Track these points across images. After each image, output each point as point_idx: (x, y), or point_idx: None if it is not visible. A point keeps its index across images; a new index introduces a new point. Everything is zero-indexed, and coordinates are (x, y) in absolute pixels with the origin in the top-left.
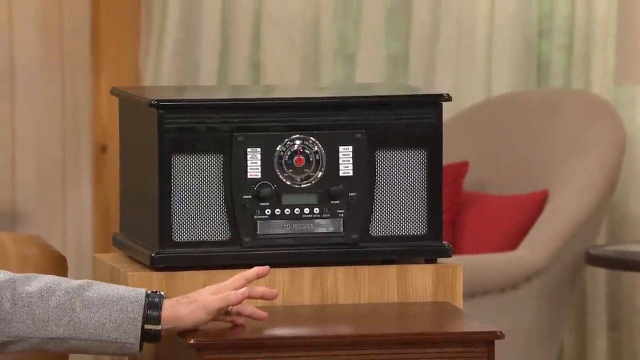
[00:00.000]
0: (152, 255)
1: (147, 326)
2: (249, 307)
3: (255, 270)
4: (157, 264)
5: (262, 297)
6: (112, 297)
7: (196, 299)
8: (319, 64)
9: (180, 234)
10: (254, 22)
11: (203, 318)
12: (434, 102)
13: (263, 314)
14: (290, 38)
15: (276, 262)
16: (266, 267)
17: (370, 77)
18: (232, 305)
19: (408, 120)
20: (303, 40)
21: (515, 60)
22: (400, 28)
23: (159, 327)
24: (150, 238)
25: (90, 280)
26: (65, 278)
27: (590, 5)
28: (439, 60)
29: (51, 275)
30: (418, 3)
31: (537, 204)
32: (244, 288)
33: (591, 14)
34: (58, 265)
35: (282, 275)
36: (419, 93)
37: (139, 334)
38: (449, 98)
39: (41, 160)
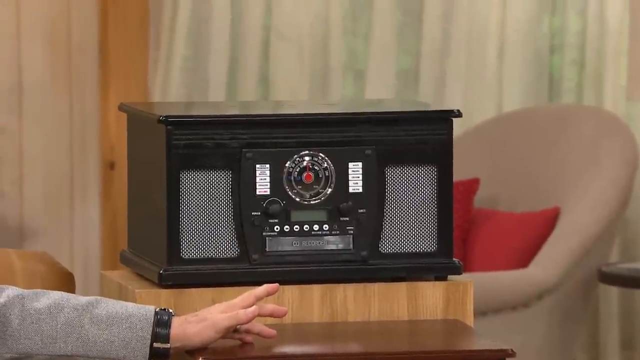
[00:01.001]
0: (160, 272)
1: (155, 344)
2: (257, 325)
3: (265, 288)
4: (165, 281)
5: (272, 315)
6: (121, 314)
7: (205, 317)
8: (329, 79)
9: (189, 251)
10: (263, 37)
11: (212, 336)
12: (445, 118)
13: (272, 331)
14: (299, 54)
15: (285, 279)
16: (275, 285)
17: (380, 93)
18: (242, 324)
19: (418, 137)
20: (312, 56)
21: (527, 75)
22: (411, 43)
23: (167, 346)
24: (159, 255)
25: (99, 297)
26: (73, 294)
27: (602, 21)
28: (449, 76)
29: (60, 292)
30: (428, 18)
31: (548, 221)
32: (254, 307)
33: (603, 29)
34: (65, 282)
35: (291, 292)
36: (429, 109)
37: (147, 352)
38: (459, 114)
39: (49, 177)
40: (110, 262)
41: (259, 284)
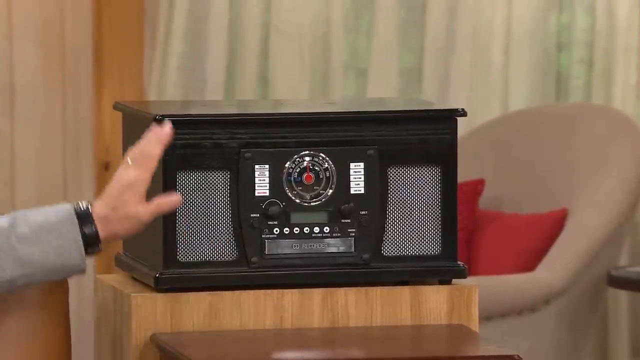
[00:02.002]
0: (156, 275)
1: (88, 249)
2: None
3: (154, 132)
4: (162, 285)
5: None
6: (45, 225)
7: (127, 213)
8: (330, 78)
9: (186, 254)
10: (262, 35)
11: (139, 229)
12: (449, 118)
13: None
14: (299, 52)
15: (285, 283)
16: (166, 128)
17: (383, 91)
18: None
19: (422, 136)
20: (313, 54)
21: (533, 74)
22: (414, 41)
23: (99, 248)
24: (154, 258)
25: (12, 214)
26: None
27: (611, 17)
28: (453, 74)
29: None
30: (432, 15)
31: (556, 223)
32: (177, 196)
33: (612, 26)
34: (58, 286)
35: (291, 296)
36: (433, 108)
37: (84, 253)
38: (464, 113)
39: (41, 179)
40: (105, 266)
41: (258, 287)
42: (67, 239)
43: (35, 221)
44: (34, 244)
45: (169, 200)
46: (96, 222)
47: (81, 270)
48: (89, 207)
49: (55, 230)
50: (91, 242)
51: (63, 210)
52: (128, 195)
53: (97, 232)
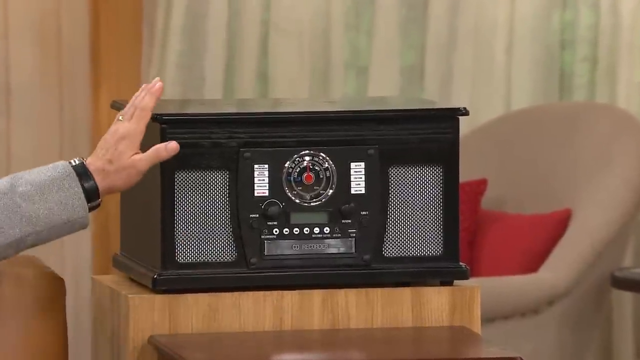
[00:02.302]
0: (154, 276)
1: (89, 203)
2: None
3: (145, 88)
4: (160, 286)
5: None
6: (44, 182)
7: (123, 164)
8: (330, 76)
9: (184, 255)
10: (261, 32)
11: (138, 180)
12: (451, 117)
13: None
14: (299, 49)
15: (284, 284)
16: (158, 85)
17: (384, 90)
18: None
19: (423, 136)
20: (313, 52)
21: (536, 72)
22: (415, 39)
23: (99, 201)
24: (152, 259)
25: (10, 176)
26: None
27: (615, 14)
28: (455, 73)
29: None
30: (434, 12)
31: (559, 223)
32: (173, 142)
33: (616, 24)
34: (56, 287)
35: (291, 297)
36: (435, 107)
37: (86, 204)
38: (466, 112)
39: None
40: (102, 267)
41: (257, 289)
42: (69, 193)
43: (35, 180)
44: (38, 201)
45: (166, 146)
46: (94, 174)
47: (85, 224)
48: (84, 161)
49: (57, 186)
50: (91, 195)
51: (60, 167)
52: (123, 146)
53: (96, 184)
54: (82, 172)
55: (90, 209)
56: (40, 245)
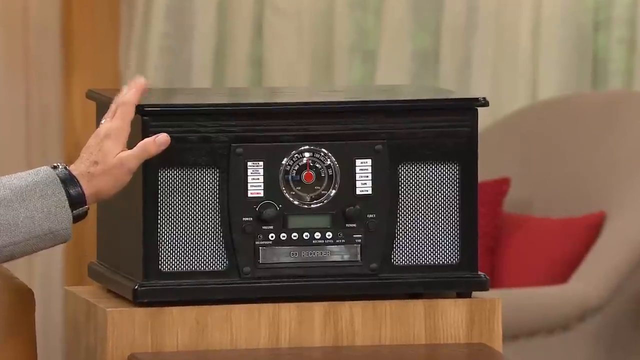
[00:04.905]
0: (135, 287)
1: (75, 212)
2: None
3: (129, 91)
4: (141, 298)
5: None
6: (26, 187)
7: (110, 164)
8: (333, 62)
9: (169, 263)
10: (256, 12)
11: (127, 180)
12: (469, 108)
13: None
14: (298, 31)
15: (282, 296)
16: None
17: (393, 77)
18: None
19: (437, 129)
20: (314, 34)
21: (566, 57)
22: (430, 20)
23: (86, 208)
24: (133, 268)
25: None
26: None
27: None
28: (474, 58)
29: None
30: None
31: (592, 228)
32: (163, 135)
33: None
34: (24, 299)
35: (289, 311)
36: (451, 97)
37: (70, 216)
38: (485, 103)
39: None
40: (76, 277)
41: (251, 301)
42: (53, 200)
43: (15, 184)
44: (17, 208)
45: (155, 140)
46: (79, 179)
47: (67, 237)
48: (67, 167)
49: (39, 192)
50: (77, 203)
51: (42, 172)
52: (108, 145)
53: (82, 190)
54: (66, 177)
55: (76, 219)
56: (17, 259)
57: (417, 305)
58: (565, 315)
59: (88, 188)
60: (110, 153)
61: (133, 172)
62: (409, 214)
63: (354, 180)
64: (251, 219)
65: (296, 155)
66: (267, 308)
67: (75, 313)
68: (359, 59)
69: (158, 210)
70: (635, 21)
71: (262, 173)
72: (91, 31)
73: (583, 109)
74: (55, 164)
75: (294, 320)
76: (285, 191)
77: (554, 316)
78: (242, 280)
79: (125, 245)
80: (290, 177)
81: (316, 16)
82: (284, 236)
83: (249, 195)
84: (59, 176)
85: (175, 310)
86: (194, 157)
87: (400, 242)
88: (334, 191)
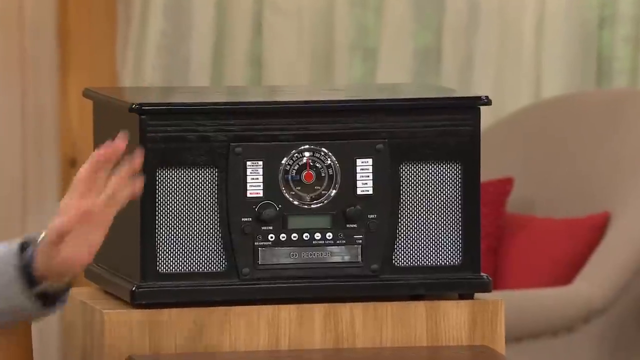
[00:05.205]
0: (133, 289)
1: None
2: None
3: (103, 151)
4: (139, 300)
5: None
6: None
7: (79, 238)
8: (333, 60)
9: (167, 264)
10: (255, 10)
11: (103, 232)
12: (471, 107)
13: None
14: (298, 30)
15: (281, 297)
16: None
17: (395, 76)
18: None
19: (439, 128)
20: (314, 32)
21: (570, 54)
22: (431, 17)
23: (45, 284)
24: (131, 269)
25: None
26: None
27: None
28: (477, 56)
29: None
30: None
31: (596, 228)
32: (129, 187)
33: None
34: None
35: (289, 313)
36: (453, 95)
37: (32, 295)
38: (488, 101)
39: None
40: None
41: (250, 303)
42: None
43: None
44: None
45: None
46: (37, 250)
47: (30, 309)
48: (36, 242)
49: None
50: (29, 276)
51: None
52: (68, 195)
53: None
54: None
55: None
56: None
57: (419, 307)
58: (570, 316)
59: (43, 260)
60: (67, 224)
61: (108, 220)
62: (410, 214)
63: (355, 180)
64: (250, 219)
65: (296, 154)
66: (267, 310)
67: (72, 315)
68: (360, 57)
69: (156, 211)
70: None
71: (261, 173)
72: (88, 30)
73: (587, 107)
74: (28, 242)
75: (294, 322)
76: (285, 191)
77: (558, 318)
78: (241, 282)
79: (123, 247)
80: (290, 177)
81: (316, 14)
82: (283, 237)
83: (248, 195)
84: (22, 255)
85: (173, 311)
86: (193, 157)
87: (402, 243)
88: (334, 191)
